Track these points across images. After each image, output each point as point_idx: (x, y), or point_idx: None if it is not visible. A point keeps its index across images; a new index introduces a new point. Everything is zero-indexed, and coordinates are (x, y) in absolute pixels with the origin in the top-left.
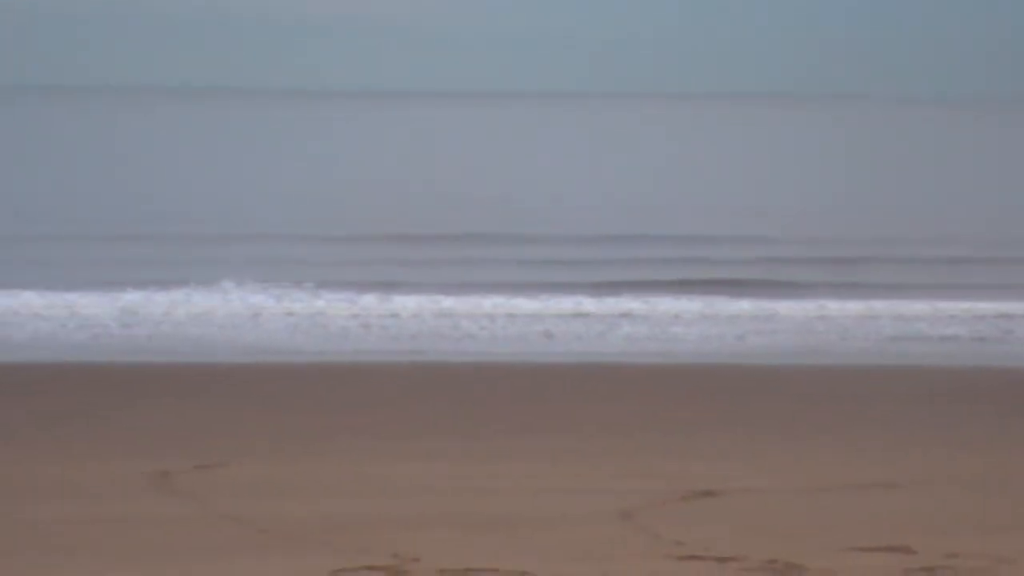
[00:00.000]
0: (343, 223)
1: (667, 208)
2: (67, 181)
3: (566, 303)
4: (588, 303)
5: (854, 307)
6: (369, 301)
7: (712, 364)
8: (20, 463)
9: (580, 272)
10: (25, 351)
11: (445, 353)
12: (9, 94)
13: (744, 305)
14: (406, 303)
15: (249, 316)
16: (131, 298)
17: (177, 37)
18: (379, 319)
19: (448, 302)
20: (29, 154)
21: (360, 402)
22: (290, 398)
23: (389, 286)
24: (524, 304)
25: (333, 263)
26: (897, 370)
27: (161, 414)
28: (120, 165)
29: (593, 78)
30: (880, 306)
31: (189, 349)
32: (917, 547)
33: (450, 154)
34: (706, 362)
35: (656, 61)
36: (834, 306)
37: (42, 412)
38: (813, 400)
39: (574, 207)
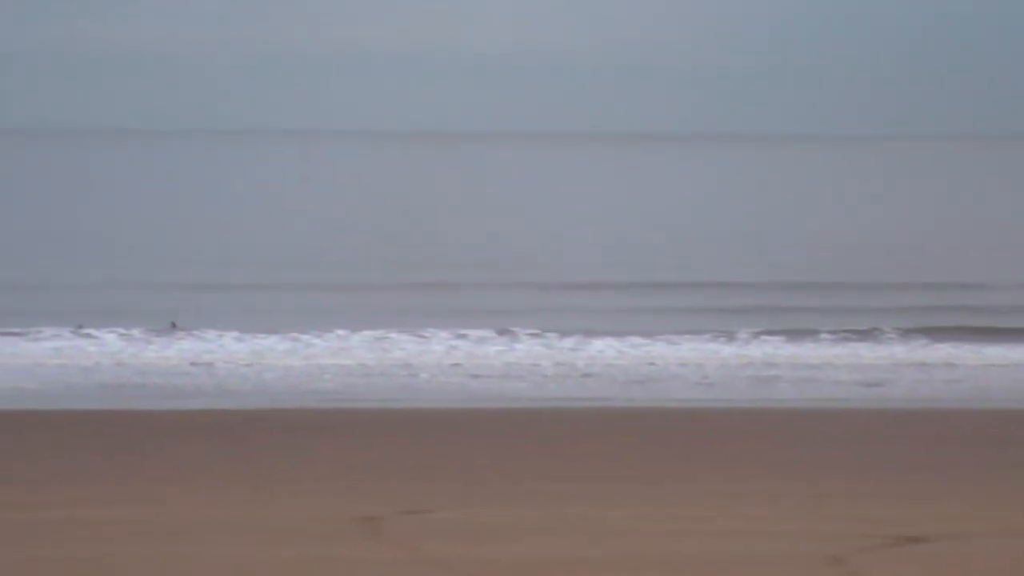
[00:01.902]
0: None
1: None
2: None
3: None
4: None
5: None
6: (567, 345)
7: (926, 409)
8: (231, 505)
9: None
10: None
11: (653, 399)
12: None
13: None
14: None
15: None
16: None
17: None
18: (584, 363)
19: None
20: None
21: (559, 446)
22: (492, 443)
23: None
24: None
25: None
26: None
27: (368, 457)
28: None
29: None
30: None
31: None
32: None
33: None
34: (919, 407)
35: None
36: None
37: (250, 454)
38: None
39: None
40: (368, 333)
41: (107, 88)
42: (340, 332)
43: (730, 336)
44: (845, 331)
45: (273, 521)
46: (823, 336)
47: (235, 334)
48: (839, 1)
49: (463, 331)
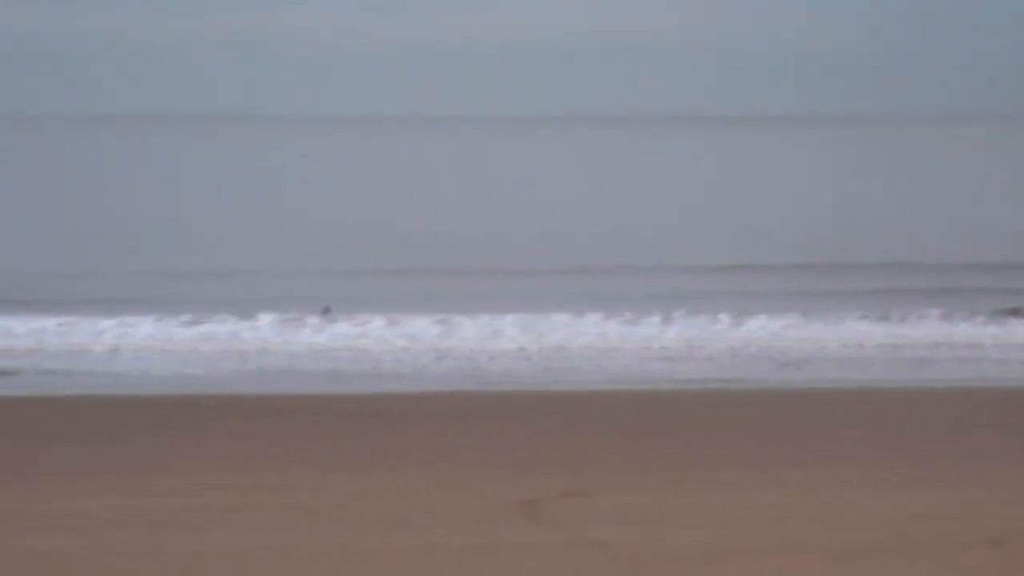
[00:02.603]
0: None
1: None
2: None
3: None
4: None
5: None
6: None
7: None
8: (388, 493)
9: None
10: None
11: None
12: None
13: None
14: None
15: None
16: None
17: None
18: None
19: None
20: None
21: (716, 430)
22: (650, 426)
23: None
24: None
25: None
26: None
27: (526, 442)
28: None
29: None
30: None
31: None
32: None
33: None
34: None
35: None
36: None
37: (408, 441)
38: None
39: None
40: (521, 315)
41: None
42: (488, 316)
43: (885, 315)
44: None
45: (428, 507)
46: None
47: (386, 317)
48: None
49: (615, 313)
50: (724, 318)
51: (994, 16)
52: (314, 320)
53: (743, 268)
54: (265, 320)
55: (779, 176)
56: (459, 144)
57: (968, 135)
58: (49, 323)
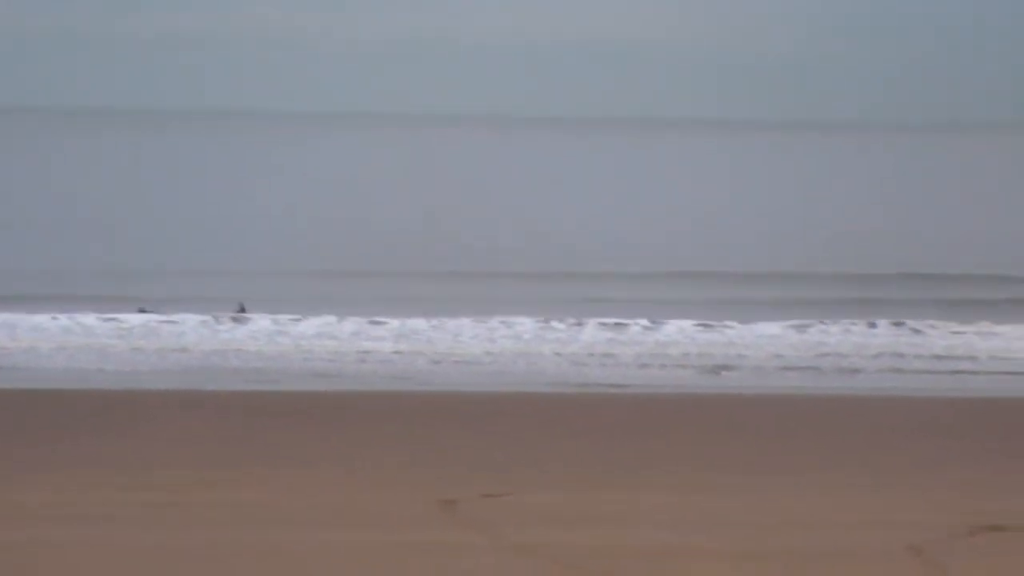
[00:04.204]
0: None
1: None
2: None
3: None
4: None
5: None
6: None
7: (1006, 398)
8: (304, 489)
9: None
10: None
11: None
12: None
13: None
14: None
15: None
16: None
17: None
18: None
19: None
20: None
21: (634, 434)
22: (570, 429)
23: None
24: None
25: None
26: None
27: (448, 443)
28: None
29: None
30: None
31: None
32: None
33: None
34: (995, 396)
35: None
36: None
37: (326, 439)
38: None
39: None
40: (441, 319)
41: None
42: (407, 320)
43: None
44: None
45: (350, 506)
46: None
47: (311, 317)
48: None
49: (534, 317)
50: (640, 324)
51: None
52: (232, 318)
53: (662, 276)
54: (185, 318)
55: (701, 184)
56: (394, 144)
57: (901, 143)
58: None
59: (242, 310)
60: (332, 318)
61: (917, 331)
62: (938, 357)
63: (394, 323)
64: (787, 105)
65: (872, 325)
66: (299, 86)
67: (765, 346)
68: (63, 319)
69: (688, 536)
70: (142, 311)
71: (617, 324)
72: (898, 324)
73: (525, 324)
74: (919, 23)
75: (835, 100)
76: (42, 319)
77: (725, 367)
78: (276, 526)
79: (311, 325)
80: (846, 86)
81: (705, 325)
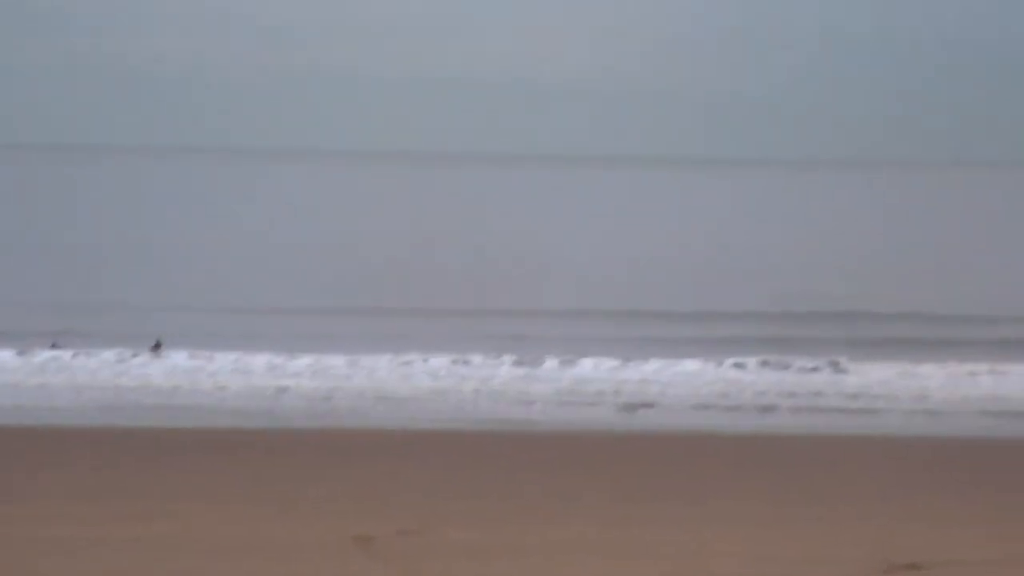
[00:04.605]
0: None
1: None
2: None
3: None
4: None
5: None
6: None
7: (910, 436)
8: (217, 525)
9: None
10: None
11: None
12: None
13: None
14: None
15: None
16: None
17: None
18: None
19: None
20: None
21: (556, 469)
22: (485, 466)
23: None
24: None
25: None
26: None
27: (364, 479)
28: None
29: None
30: None
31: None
32: None
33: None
34: (910, 435)
35: None
36: None
37: (241, 475)
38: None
39: None
40: (354, 356)
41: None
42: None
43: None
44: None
45: (268, 540)
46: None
47: (226, 353)
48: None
49: (448, 354)
50: (557, 360)
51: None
52: (147, 354)
53: (578, 313)
54: (99, 352)
55: (615, 220)
56: (311, 178)
57: (818, 181)
58: None
59: (158, 345)
60: (248, 354)
61: (836, 370)
62: (854, 396)
63: (310, 359)
64: (702, 142)
65: (788, 364)
66: (203, 121)
67: (682, 384)
68: None
69: (606, 568)
70: (54, 346)
71: (533, 361)
72: (816, 363)
73: (441, 361)
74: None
75: (752, 136)
76: None
77: (642, 405)
78: (189, 560)
79: (227, 360)
80: (767, 124)
81: (622, 362)
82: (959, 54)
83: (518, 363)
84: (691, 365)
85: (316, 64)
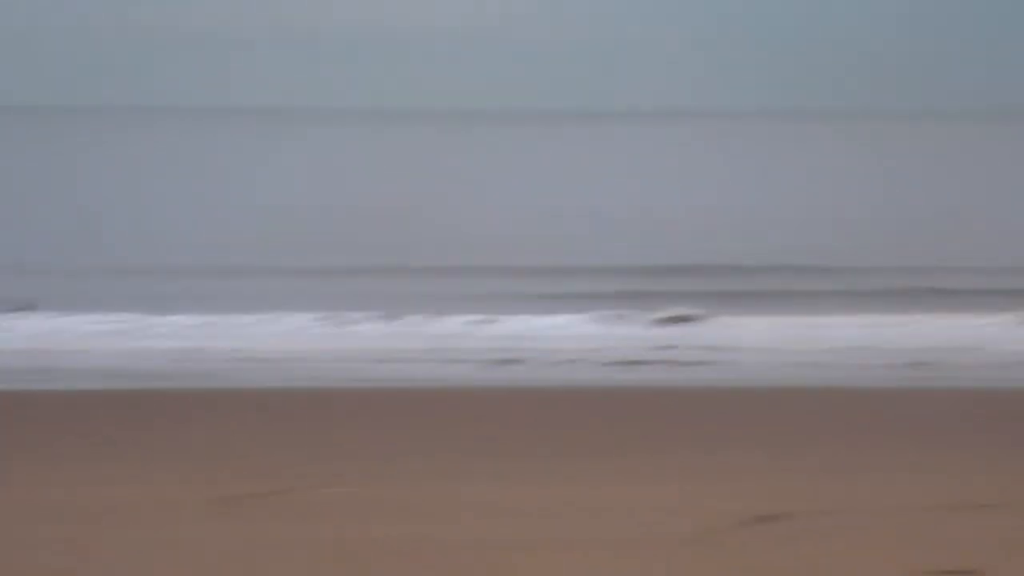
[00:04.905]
0: None
1: None
2: None
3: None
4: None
5: None
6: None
7: (774, 388)
8: (74, 487)
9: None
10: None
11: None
12: None
13: None
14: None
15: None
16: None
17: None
18: None
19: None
20: None
21: (423, 426)
22: (351, 423)
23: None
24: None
25: None
26: (958, 392)
27: (226, 439)
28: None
29: None
30: None
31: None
32: (991, 571)
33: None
34: (767, 385)
35: None
36: None
37: (99, 437)
38: (885, 421)
39: None
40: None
41: None
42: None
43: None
44: None
45: (127, 502)
46: None
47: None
48: None
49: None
50: (420, 317)
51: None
52: (13, 314)
53: (442, 269)
54: None
55: (476, 175)
56: (172, 136)
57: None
58: None
59: (29, 307)
60: (110, 314)
61: (700, 322)
62: (718, 348)
63: (173, 318)
64: (559, 94)
65: (653, 317)
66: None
67: (548, 339)
68: None
69: (476, 526)
70: None
71: (396, 317)
72: (680, 314)
73: (304, 319)
74: None
75: (596, 88)
76: None
77: (508, 360)
78: (44, 523)
79: (89, 321)
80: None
81: (487, 317)
82: None
83: (382, 319)
84: (557, 320)
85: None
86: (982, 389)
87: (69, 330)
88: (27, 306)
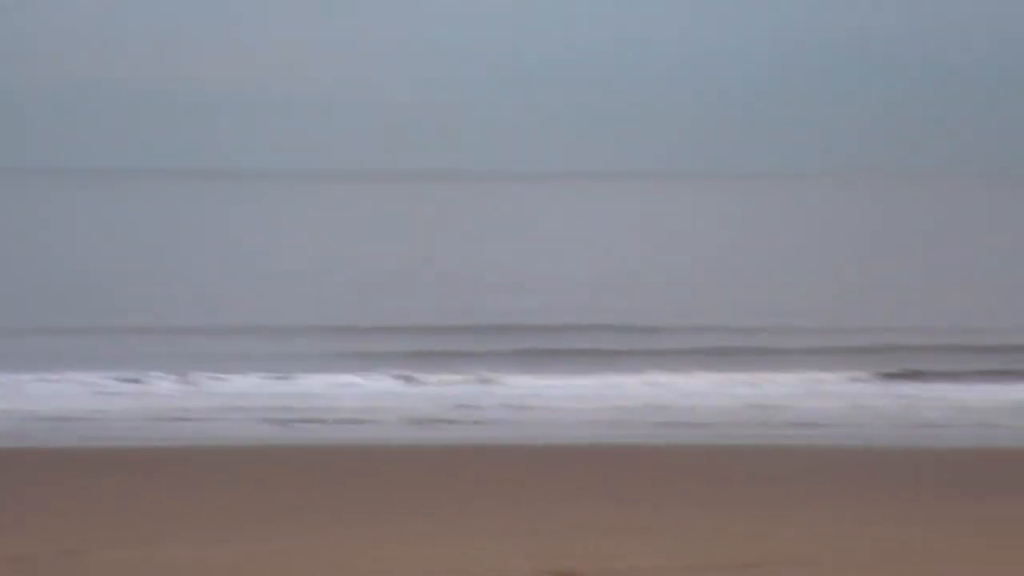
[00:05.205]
0: None
1: None
2: None
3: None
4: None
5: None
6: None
7: (588, 445)
8: None
9: None
10: None
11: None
12: None
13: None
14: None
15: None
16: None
17: None
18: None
19: None
20: None
21: (210, 484)
22: (140, 482)
23: None
24: None
25: None
26: (766, 450)
27: (21, 499)
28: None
29: None
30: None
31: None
32: None
33: None
34: (557, 443)
35: None
36: None
37: None
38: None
39: None
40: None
41: None
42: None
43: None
44: None
45: None
46: None
47: None
48: None
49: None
50: (205, 377)
51: None
52: None
53: (235, 329)
54: None
55: (269, 233)
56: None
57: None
58: None
59: None
60: None
61: (494, 382)
62: (511, 407)
63: None
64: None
65: (447, 377)
66: None
67: (340, 397)
68: None
69: None
70: None
71: (187, 377)
72: (476, 375)
73: (96, 378)
74: None
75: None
76: None
77: (298, 420)
78: None
79: None
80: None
81: (278, 376)
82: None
83: (173, 380)
84: (349, 379)
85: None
86: (760, 447)
87: None
88: None
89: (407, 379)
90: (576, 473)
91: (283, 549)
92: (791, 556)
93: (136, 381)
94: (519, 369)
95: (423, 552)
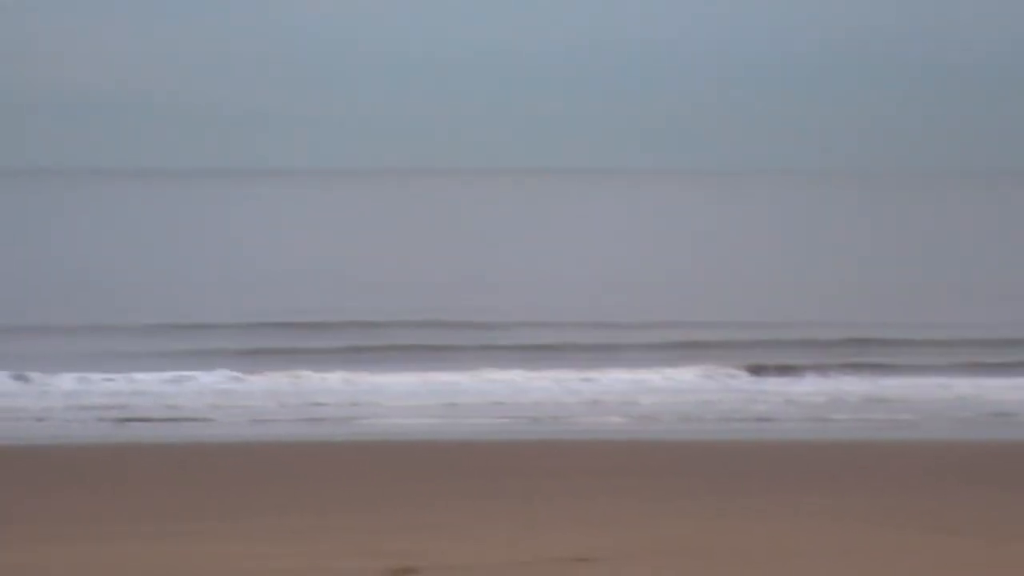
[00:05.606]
0: None
1: None
2: None
3: None
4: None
5: None
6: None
7: (431, 440)
8: None
9: None
10: None
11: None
12: None
13: None
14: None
15: None
16: None
17: None
18: None
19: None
20: None
21: (53, 483)
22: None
23: None
24: None
25: None
26: (602, 444)
27: None
28: None
29: None
30: None
31: None
32: None
33: None
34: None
35: None
36: None
37: None
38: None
39: None
40: None
41: None
42: None
43: None
44: None
45: None
46: None
47: None
48: None
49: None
50: (39, 375)
51: None
52: None
53: (83, 328)
54: None
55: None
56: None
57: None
58: None
59: None
60: None
61: (326, 379)
62: (355, 404)
63: None
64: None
65: (286, 373)
66: None
67: (172, 396)
68: None
69: None
70: None
71: (20, 376)
72: (318, 372)
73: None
74: None
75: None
76: None
77: (130, 419)
78: None
79: None
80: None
81: (107, 375)
82: None
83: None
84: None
85: None
86: (612, 441)
87: None
88: None
89: (237, 379)
90: (414, 469)
91: (120, 552)
92: (626, 550)
93: None
94: (359, 366)
95: (265, 551)
